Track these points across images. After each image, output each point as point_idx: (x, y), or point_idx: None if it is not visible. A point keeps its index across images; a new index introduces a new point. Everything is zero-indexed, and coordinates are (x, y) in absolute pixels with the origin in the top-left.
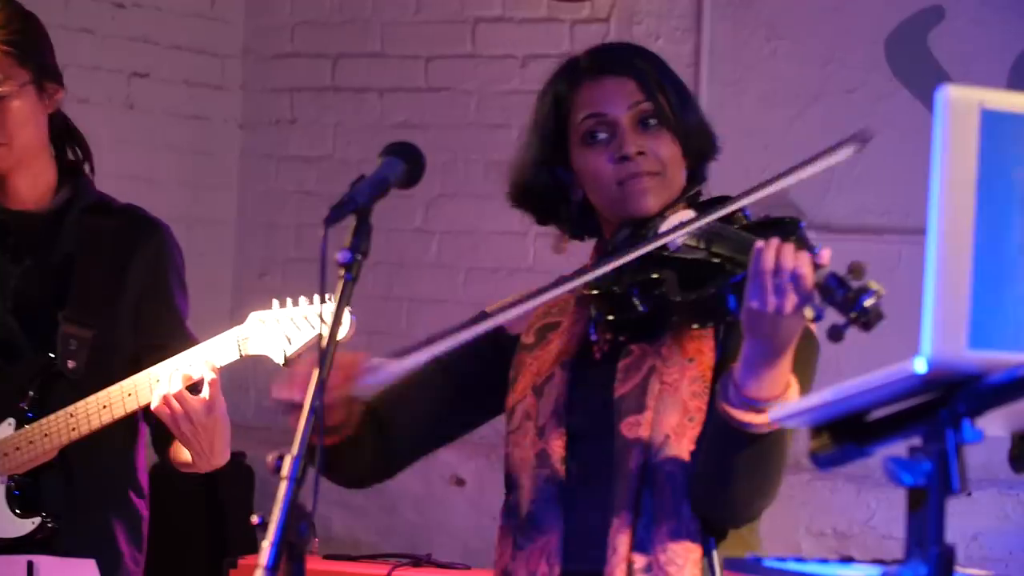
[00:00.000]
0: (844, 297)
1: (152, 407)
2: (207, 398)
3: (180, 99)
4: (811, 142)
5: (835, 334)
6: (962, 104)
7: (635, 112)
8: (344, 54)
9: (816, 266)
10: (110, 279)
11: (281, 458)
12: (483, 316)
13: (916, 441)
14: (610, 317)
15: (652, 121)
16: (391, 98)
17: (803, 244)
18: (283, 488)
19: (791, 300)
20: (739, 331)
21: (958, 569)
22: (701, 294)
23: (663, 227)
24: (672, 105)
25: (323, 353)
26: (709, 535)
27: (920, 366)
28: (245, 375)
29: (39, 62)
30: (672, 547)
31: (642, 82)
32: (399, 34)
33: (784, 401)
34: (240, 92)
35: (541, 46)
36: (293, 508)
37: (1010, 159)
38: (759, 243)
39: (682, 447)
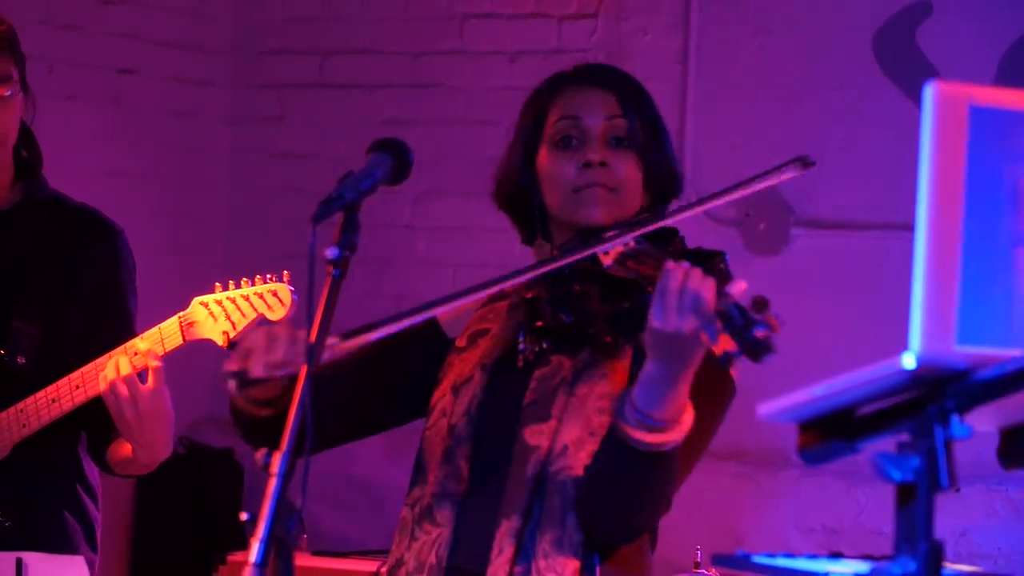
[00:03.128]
0: (739, 326)
1: (100, 390)
2: (152, 386)
3: (168, 95)
4: (799, 138)
5: (724, 359)
6: (950, 100)
7: (609, 125)
8: (332, 50)
9: (723, 294)
10: (61, 278)
11: (270, 454)
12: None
13: (905, 437)
14: (538, 324)
15: (623, 141)
16: (379, 94)
17: (718, 273)
18: (272, 484)
19: (690, 322)
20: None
21: (947, 565)
22: (617, 307)
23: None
24: (644, 134)
25: (310, 349)
26: (593, 551)
27: (908, 362)
28: None
29: (20, 58)
30: (554, 555)
31: (623, 100)
32: (387, 30)
33: (677, 425)
34: (228, 88)
35: (529, 42)
36: (282, 504)
37: (998, 155)
38: (670, 263)
39: (579, 460)
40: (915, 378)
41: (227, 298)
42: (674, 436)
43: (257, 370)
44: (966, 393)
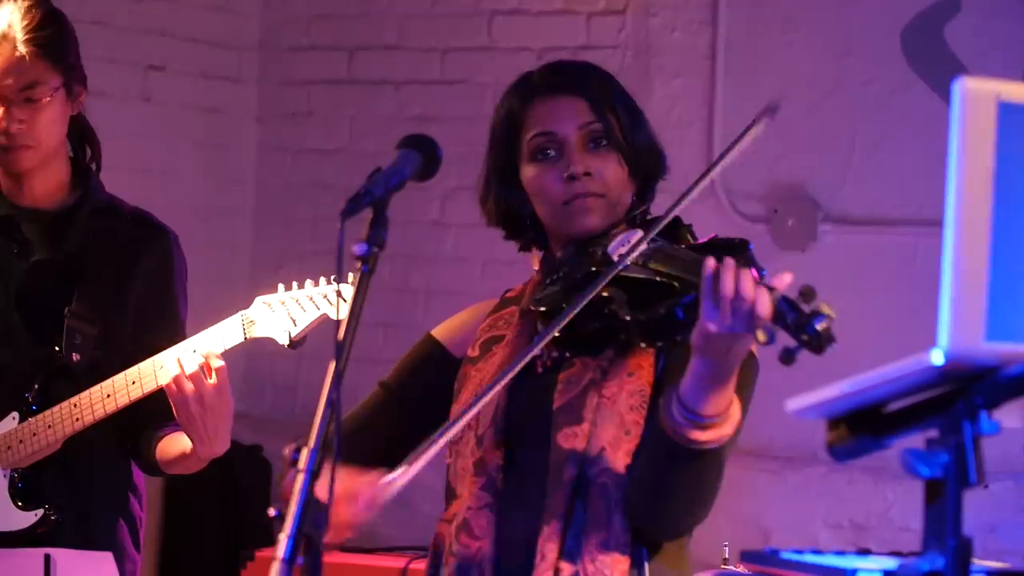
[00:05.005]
0: (796, 321)
1: (163, 385)
2: (216, 381)
3: (196, 92)
4: (827, 134)
5: (787, 357)
6: (979, 96)
7: (584, 132)
8: (360, 47)
9: (769, 288)
10: (116, 280)
11: (298, 451)
12: (430, 341)
13: (933, 433)
14: (557, 334)
15: (601, 142)
16: (407, 91)
17: (753, 265)
18: (300, 481)
19: (747, 323)
20: (681, 348)
21: (975, 561)
22: (652, 314)
23: (611, 246)
24: (622, 126)
25: (339, 345)
26: (641, 547)
27: (937, 358)
28: (262, 370)
29: (68, 64)
30: (601, 558)
31: (593, 102)
32: (415, 27)
33: (727, 419)
34: (256, 85)
35: (557, 38)
36: (310, 501)
37: None
38: (709, 263)
39: (617, 460)
40: (943, 374)
41: (291, 298)
42: (726, 431)
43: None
44: (994, 389)
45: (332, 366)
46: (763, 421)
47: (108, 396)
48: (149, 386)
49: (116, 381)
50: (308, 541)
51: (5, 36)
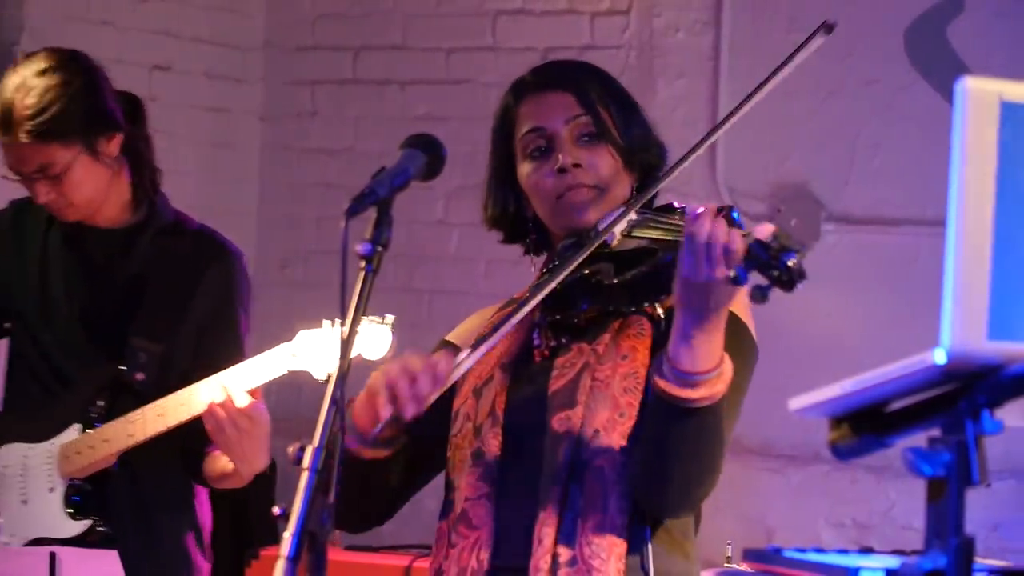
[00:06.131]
0: (767, 259)
1: (201, 412)
2: (248, 407)
3: (201, 92)
4: (831, 134)
5: (759, 295)
6: (982, 96)
7: (573, 125)
8: (365, 47)
9: (747, 235)
10: (179, 299)
11: (302, 449)
12: (446, 345)
13: (936, 432)
14: (554, 318)
15: (591, 135)
16: (412, 90)
17: (732, 222)
18: (304, 479)
19: (721, 270)
20: (671, 324)
21: (978, 560)
22: (635, 274)
23: (600, 224)
24: (614, 119)
25: (343, 344)
26: (643, 528)
27: (940, 357)
28: None
29: (85, 128)
30: (596, 541)
31: (581, 96)
32: (420, 27)
33: (719, 373)
34: (261, 85)
35: (561, 39)
36: (315, 499)
37: None
38: (692, 211)
39: (612, 442)
40: (946, 373)
41: (334, 335)
42: (718, 388)
43: (410, 410)
44: (997, 388)
45: (336, 365)
46: (766, 420)
47: (160, 416)
48: (197, 409)
49: (168, 401)
50: (313, 539)
51: (7, 122)
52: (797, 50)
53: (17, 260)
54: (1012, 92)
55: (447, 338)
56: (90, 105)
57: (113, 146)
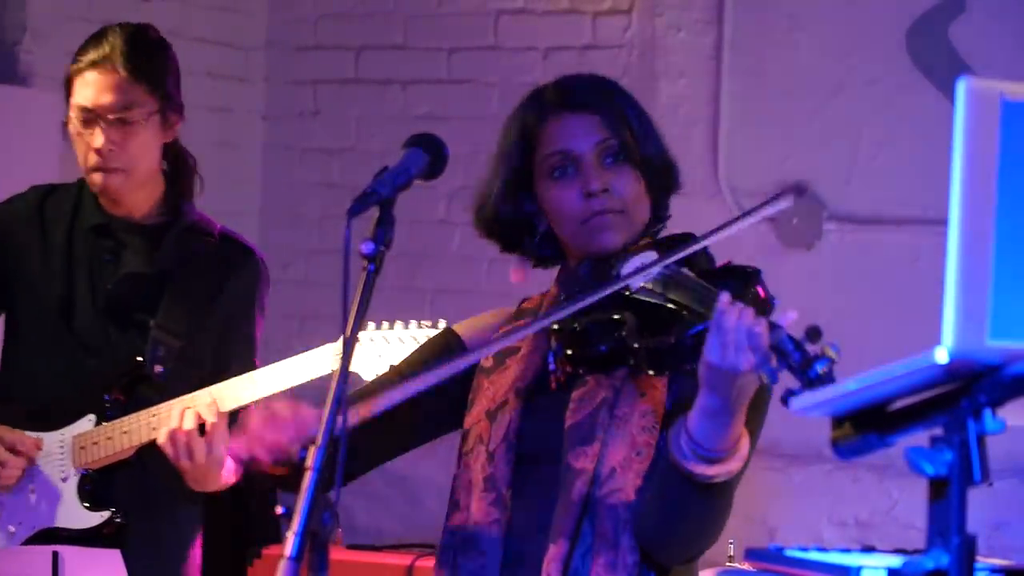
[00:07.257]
0: (799, 362)
1: (159, 442)
2: (206, 441)
3: (203, 92)
4: (833, 133)
5: (787, 396)
6: (983, 95)
7: (600, 148)
8: (367, 46)
9: (775, 327)
10: (202, 297)
11: (305, 448)
12: (450, 333)
13: (938, 431)
14: (569, 352)
15: (617, 157)
16: (414, 90)
17: (761, 304)
18: (307, 478)
19: (748, 359)
20: (693, 378)
21: (980, 559)
22: (660, 343)
23: (625, 268)
24: (637, 140)
25: (345, 343)
26: (649, 570)
27: (941, 356)
28: None
29: (166, 92)
30: None
31: (607, 118)
32: (421, 26)
33: (736, 453)
34: (263, 84)
35: (563, 38)
36: (317, 498)
37: None
38: (724, 298)
39: (627, 481)
40: (948, 372)
41: (380, 336)
42: (735, 464)
43: (264, 457)
44: (999, 387)
45: (338, 363)
46: (768, 419)
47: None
48: (225, 406)
49: (197, 396)
50: (315, 539)
51: (107, 57)
52: (764, 204)
53: (41, 247)
54: (1014, 92)
55: (453, 328)
56: (175, 78)
57: (176, 128)
